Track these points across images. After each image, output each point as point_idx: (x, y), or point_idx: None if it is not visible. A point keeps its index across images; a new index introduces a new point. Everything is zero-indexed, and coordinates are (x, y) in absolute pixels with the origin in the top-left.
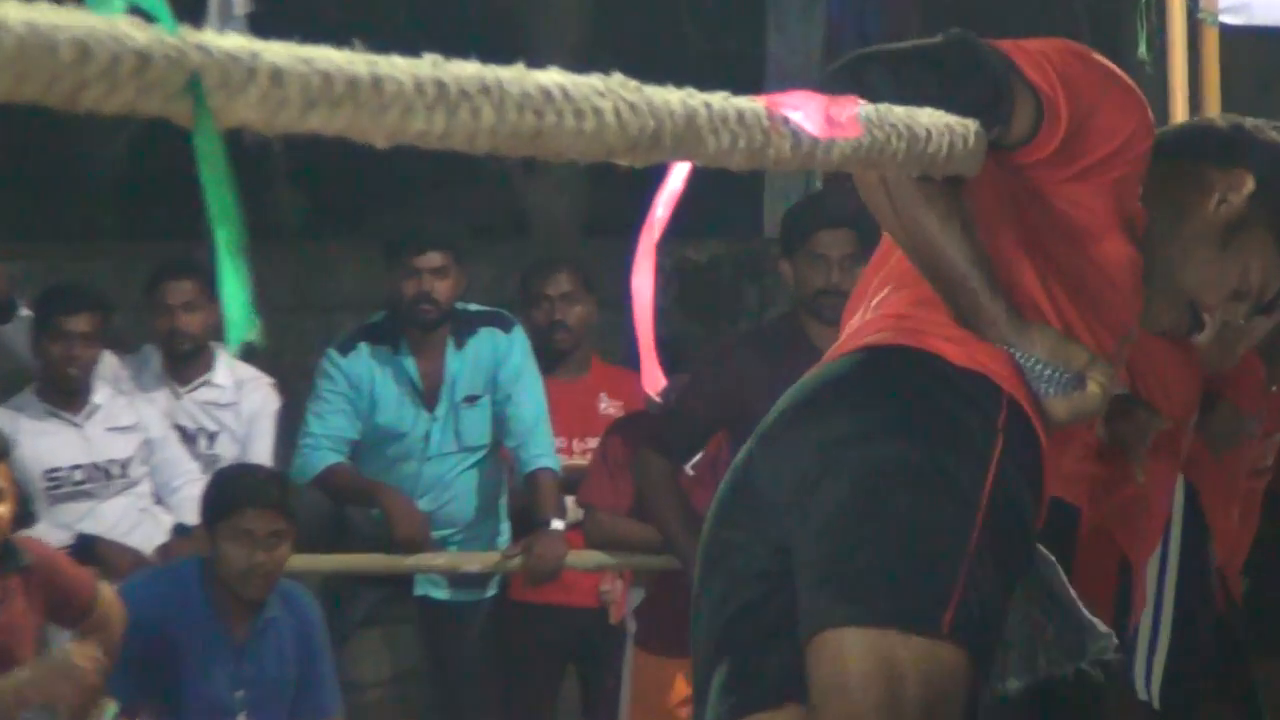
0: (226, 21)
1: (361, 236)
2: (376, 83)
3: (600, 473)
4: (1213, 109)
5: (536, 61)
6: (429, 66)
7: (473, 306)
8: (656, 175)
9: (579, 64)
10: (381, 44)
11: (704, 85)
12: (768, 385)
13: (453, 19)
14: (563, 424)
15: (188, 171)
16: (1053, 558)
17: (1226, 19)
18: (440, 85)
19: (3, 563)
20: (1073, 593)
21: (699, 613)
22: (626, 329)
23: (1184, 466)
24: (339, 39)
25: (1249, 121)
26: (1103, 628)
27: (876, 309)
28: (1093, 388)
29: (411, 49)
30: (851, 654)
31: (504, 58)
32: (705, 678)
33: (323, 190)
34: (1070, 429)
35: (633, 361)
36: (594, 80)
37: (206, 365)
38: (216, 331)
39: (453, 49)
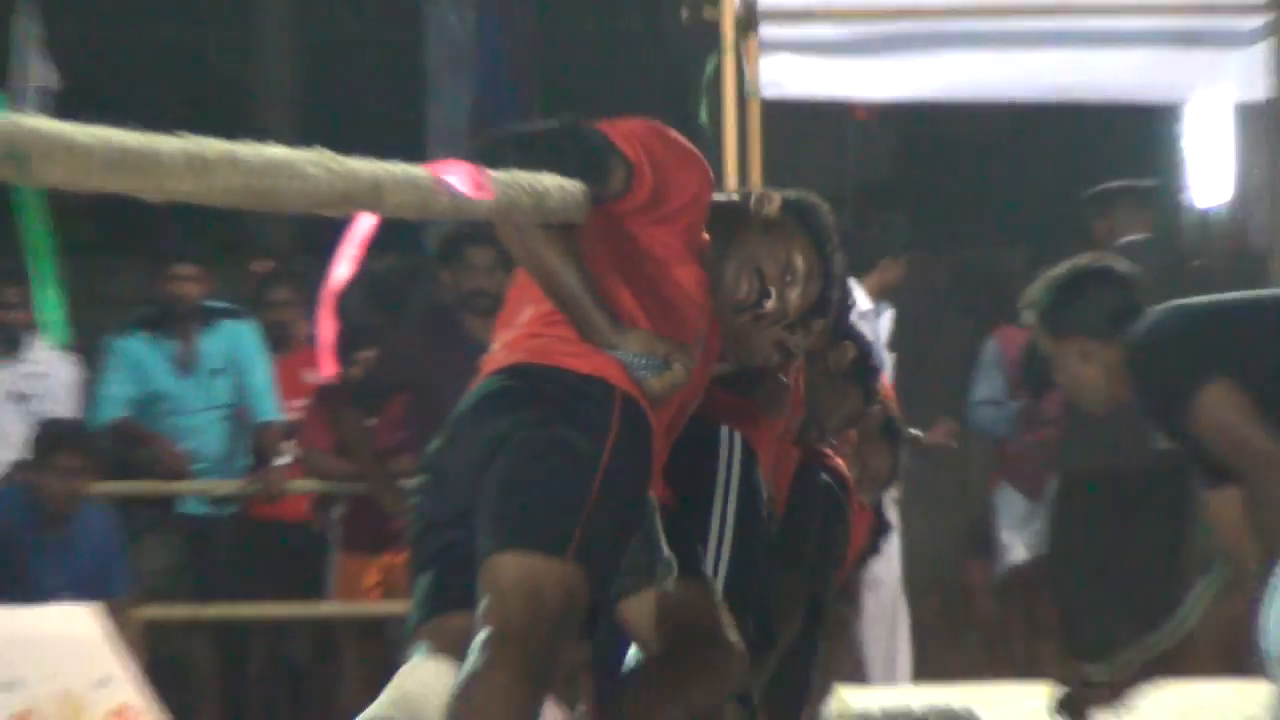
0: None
1: (138, 253)
2: (156, 155)
3: (312, 423)
4: (754, 162)
5: (259, 119)
6: (193, 144)
7: (218, 304)
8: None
9: (294, 119)
10: (137, 107)
11: (383, 141)
12: (434, 360)
13: (192, 86)
14: (283, 388)
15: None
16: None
17: (767, 93)
18: (202, 157)
19: None
20: (660, 534)
21: (413, 542)
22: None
23: (740, 424)
24: (112, 110)
25: None
26: (670, 560)
27: (520, 326)
28: (676, 369)
29: (160, 110)
30: (505, 570)
31: (238, 125)
32: (414, 584)
33: (110, 217)
34: (669, 399)
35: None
36: (307, 153)
37: (28, 347)
38: (33, 324)
39: (193, 108)
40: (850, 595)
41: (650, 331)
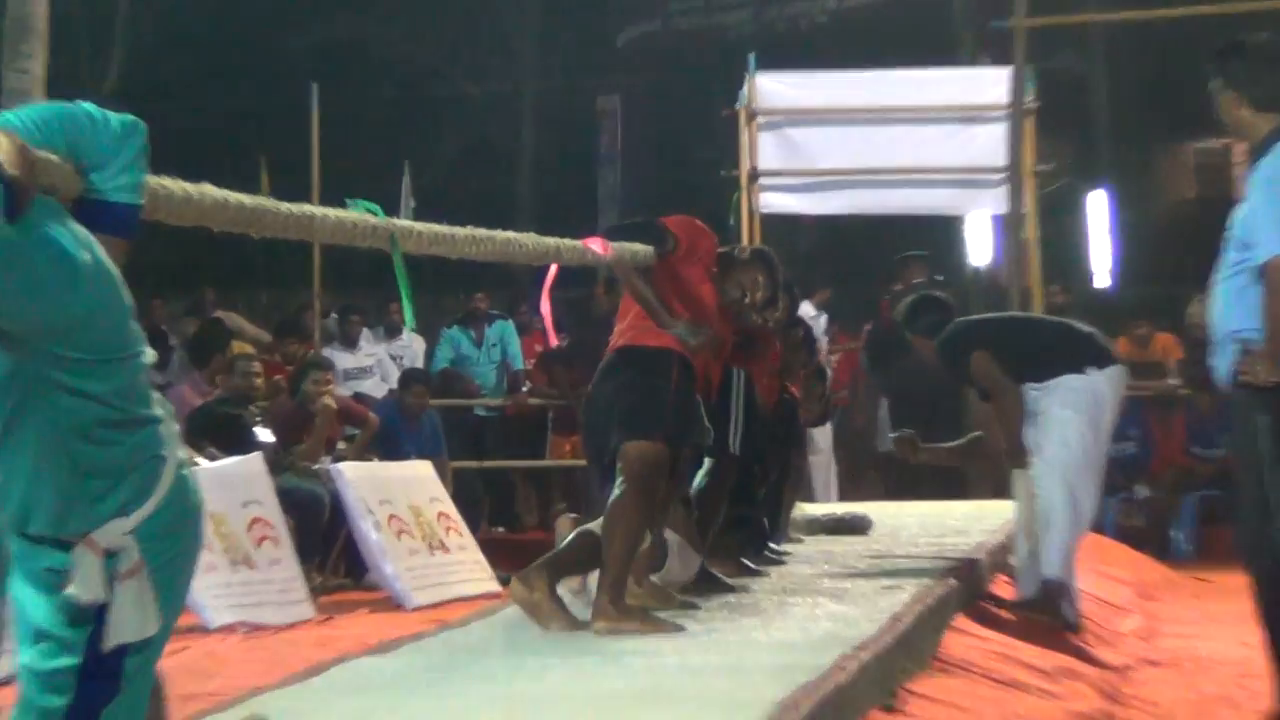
0: (406, 210)
1: (454, 287)
2: (471, 237)
3: (537, 371)
4: (758, 239)
5: None
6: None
7: (494, 311)
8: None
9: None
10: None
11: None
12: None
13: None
14: (525, 354)
15: None
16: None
17: (766, 210)
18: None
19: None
20: (703, 416)
21: (583, 438)
22: None
23: (744, 365)
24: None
25: None
26: (708, 429)
27: (627, 320)
28: (704, 335)
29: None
30: (628, 450)
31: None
32: (590, 466)
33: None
34: (704, 351)
35: None
36: (530, 236)
37: (400, 333)
38: None
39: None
40: (802, 453)
41: (690, 319)
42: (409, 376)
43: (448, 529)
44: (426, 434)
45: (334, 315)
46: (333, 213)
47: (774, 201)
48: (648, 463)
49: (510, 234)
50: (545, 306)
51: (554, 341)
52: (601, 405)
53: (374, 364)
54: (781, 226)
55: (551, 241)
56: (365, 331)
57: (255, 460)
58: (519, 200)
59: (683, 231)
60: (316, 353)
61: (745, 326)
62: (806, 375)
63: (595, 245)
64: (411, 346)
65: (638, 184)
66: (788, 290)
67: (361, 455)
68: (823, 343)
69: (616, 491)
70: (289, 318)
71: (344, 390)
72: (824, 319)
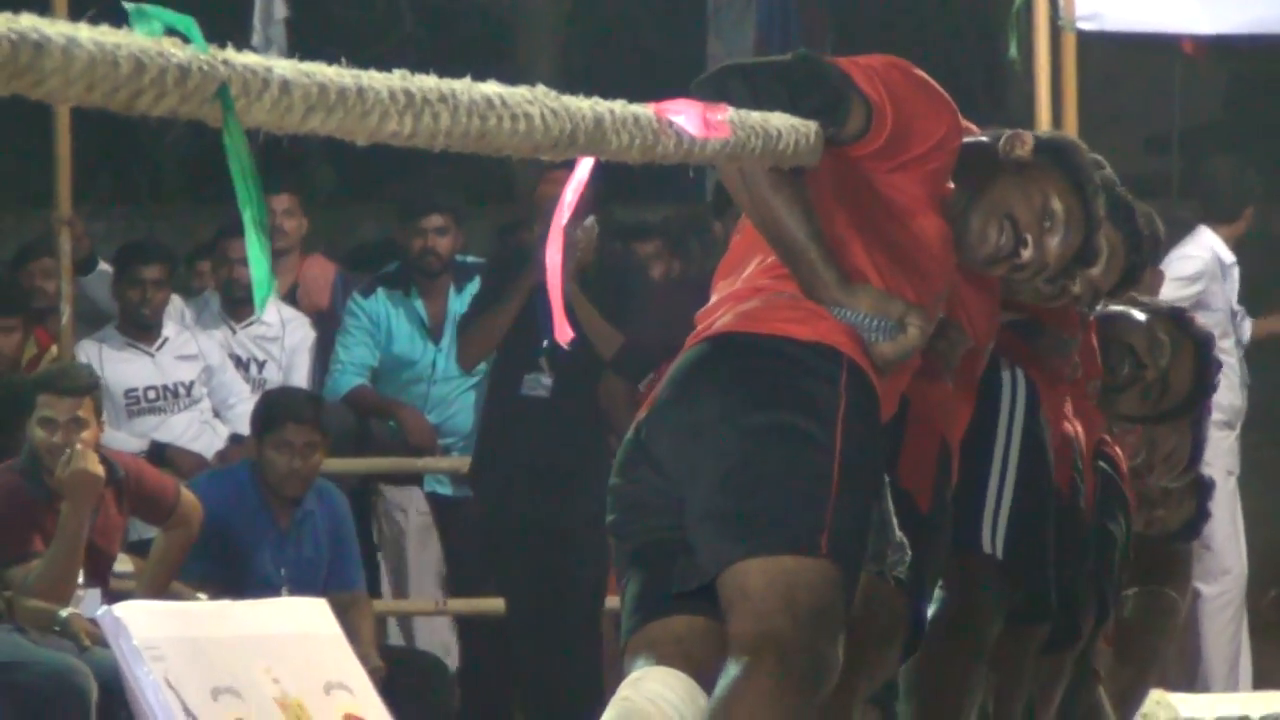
0: (268, 25)
1: (379, 201)
2: (360, 92)
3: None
4: (1069, 100)
5: (522, 62)
6: (399, 79)
7: (469, 258)
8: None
9: (560, 56)
10: (392, 48)
11: (658, 82)
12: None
13: (451, 25)
14: None
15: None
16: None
17: (1083, 25)
18: (408, 94)
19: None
20: (892, 515)
21: (616, 524)
22: None
23: (1028, 367)
24: (358, 44)
25: None
26: (902, 543)
27: (744, 278)
28: (911, 331)
29: (417, 54)
30: (753, 578)
31: (492, 60)
32: (623, 577)
33: (349, 163)
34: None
35: None
36: (524, 90)
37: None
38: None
39: (453, 51)
40: (1176, 576)
41: (883, 290)
42: (277, 407)
43: None
44: (320, 535)
45: (104, 266)
46: (85, 35)
47: (1110, 5)
48: (794, 599)
49: (497, 89)
50: (554, 256)
51: (567, 334)
52: (662, 459)
53: (197, 376)
54: (1126, 68)
55: (584, 110)
56: (178, 303)
57: None
58: (523, 9)
59: (888, 92)
60: (63, 351)
61: (1021, 300)
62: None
63: (687, 119)
64: (283, 337)
65: None
66: (1126, 227)
67: (165, 585)
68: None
69: (730, 670)
70: None
71: (126, 438)
72: (1234, 275)
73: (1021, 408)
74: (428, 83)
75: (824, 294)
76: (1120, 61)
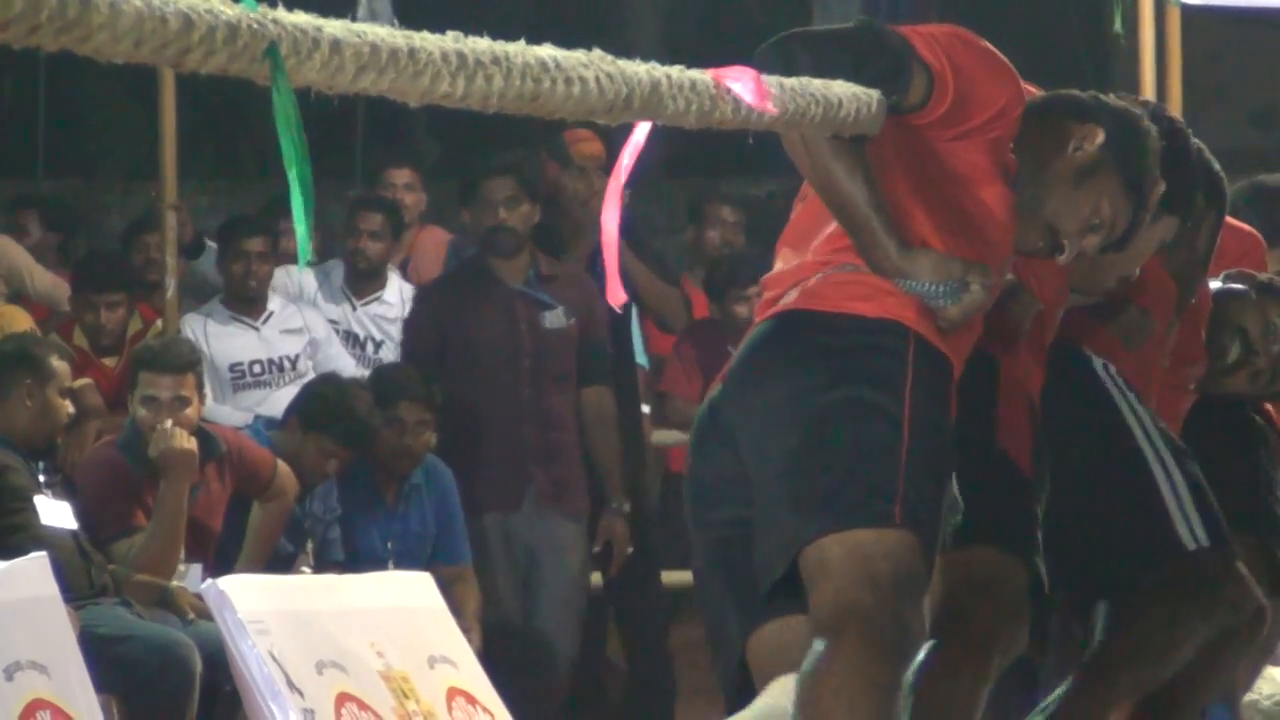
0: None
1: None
2: (412, 53)
3: (675, 367)
4: (1174, 75)
5: (625, 37)
6: (451, 40)
7: None
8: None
9: (662, 27)
10: (498, 24)
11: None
12: None
13: (555, 1)
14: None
15: (345, 119)
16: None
17: (1187, 0)
18: (461, 55)
19: (202, 451)
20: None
21: (690, 507)
22: None
23: (1103, 351)
24: (463, 18)
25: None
26: (957, 498)
27: (809, 250)
28: (975, 289)
29: (523, 30)
30: (831, 554)
31: (596, 34)
32: (705, 565)
33: (452, 135)
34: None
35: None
36: (579, 54)
37: (381, 284)
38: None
39: (556, 27)
40: None
41: (941, 252)
42: (390, 384)
43: None
44: (427, 510)
45: (208, 242)
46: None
47: None
48: (873, 572)
49: (551, 51)
50: (611, 219)
51: (620, 296)
52: (732, 441)
53: (302, 349)
54: (1232, 44)
55: (640, 75)
56: (280, 275)
57: (36, 570)
58: None
59: (950, 61)
60: (167, 326)
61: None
62: None
63: (744, 86)
64: (404, 316)
65: None
66: (1212, 190)
67: (264, 558)
68: None
69: (814, 648)
70: (104, 250)
71: (231, 412)
72: None
73: (1135, 397)
74: (480, 44)
75: (885, 263)
76: (1225, 36)
